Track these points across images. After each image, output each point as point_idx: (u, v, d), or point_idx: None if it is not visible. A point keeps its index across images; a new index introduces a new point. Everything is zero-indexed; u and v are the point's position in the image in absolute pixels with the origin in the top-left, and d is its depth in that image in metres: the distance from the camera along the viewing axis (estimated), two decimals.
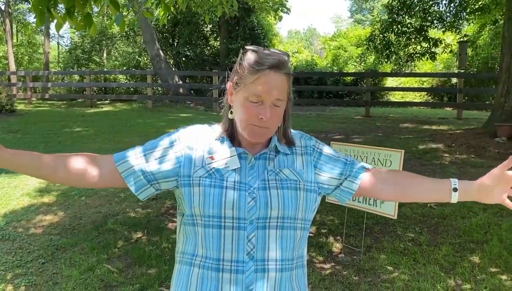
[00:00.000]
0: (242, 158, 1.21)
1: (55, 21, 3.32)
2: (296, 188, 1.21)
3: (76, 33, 23.07)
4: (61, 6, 3.55)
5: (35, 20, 3.25)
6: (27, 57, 25.64)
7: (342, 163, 1.29)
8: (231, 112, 1.23)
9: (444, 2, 12.96)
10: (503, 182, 1.15)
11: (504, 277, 3.07)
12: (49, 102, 16.51)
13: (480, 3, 12.41)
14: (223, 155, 1.21)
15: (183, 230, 1.25)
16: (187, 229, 1.23)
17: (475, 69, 16.87)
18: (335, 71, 19.37)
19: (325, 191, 1.29)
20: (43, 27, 21.06)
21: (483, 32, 16.39)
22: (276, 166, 1.23)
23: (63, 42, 29.67)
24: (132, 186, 1.22)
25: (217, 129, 1.28)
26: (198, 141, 1.24)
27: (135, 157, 1.24)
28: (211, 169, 1.19)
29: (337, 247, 3.65)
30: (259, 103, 1.15)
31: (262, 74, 1.13)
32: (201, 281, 1.17)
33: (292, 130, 1.31)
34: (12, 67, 18.85)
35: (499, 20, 12.77)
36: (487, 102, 14.61)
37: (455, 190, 1.19)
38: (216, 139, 1.24)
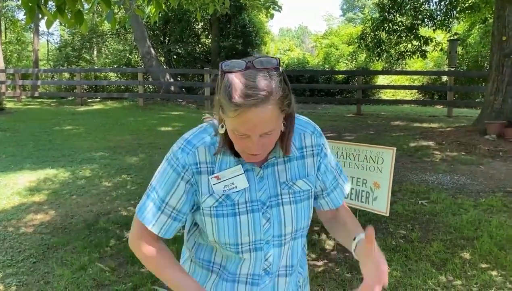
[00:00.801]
0: (249, 171, 1.13)
1: (45, 18, 3.29)
2: (308, 197, 1.20)
3: (66, 30, 22.92)
4: (51, 3, 3.51)
5: (24, 17, 3.21)
6: (16, 54, 25.37)
7: (332, 175, 1.26)
8: (222, 126, 1.07)
9: (434, 0, 13.07)
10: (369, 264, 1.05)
11: (494, 273, 3.10)
12: (38, 100, 16.36)
13: (470, 1, 12.52)
14: (228, 173, 1.11)
15: (195, 236, 1.24)
16: (202, 243, 1.22)
17: (465, 68, 17.02)
18: (327, 69, 19.43)
19: None
20: (32, 25, 20.84)
21: (473, 30, 16.55)
22: (289, 178, 1.16)
23: (53, 39, 29.36)
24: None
25: (214, 132, 1.13)
26: (199, 162, 1.11)
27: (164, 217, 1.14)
28: (220, 197, 1.11)
29: (329, 244, 3.66)
30: (245, 136, 1.00)
31: (242, 112, 0.94)
32: (215, 288, 1.20)
33: (303, 118, 1.23)
34: (1, 65, 18.58)
35: (488, 18, 12.90)
36: (477, 100, 14.75)
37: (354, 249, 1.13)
38: (218, 154, 1.12)
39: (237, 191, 1.11)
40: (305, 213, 1.19)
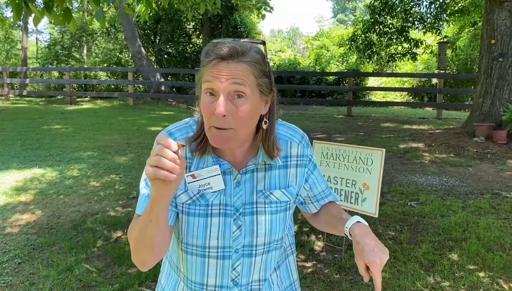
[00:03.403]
0: (226, 173, 1.09)
1: (33, 15, 3.24)
2: (286, 209, 1.14)
3: (56, 28, 22.73)
4: (39, 0, 3.47)
5: (12, 14, 3.17)
6: (4, 52, 25.08)
7: (325, 185, 1.25)
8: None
9: (425, 3, 13.18)
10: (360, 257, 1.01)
11: (482, 274, 3.12)
12: (27, 99, 16.18)
13: (459, 5, 12.65)
14: (205, 172, 1.07)
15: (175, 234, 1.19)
16: (173, 240, 1.15)
17: (454, 70, 17.17)
18: (318, 70, 19.47)
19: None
20: (21, 22, 20.61)
21: (462, 33, 16.71)
22: (267, 187, 1.11)
23: (42, 37, 29.12)
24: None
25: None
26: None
27: None
28: (194, 195, 1.07)
29: (318, 245, 3.66)
30: (215, 98, 0.97)
31: (212, 64, 0.97)
32: None
33: (291, 125, 1.21)
34: None
35: (478, 22, 13.03)
36: (466, 102, 14.89)
37: (346, 235, 1.11)
38: (196, 151, 1.08)
39: (212, 192, 1.07)
40: (281, 225, 1.13)
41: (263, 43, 1.06)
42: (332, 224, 1.20)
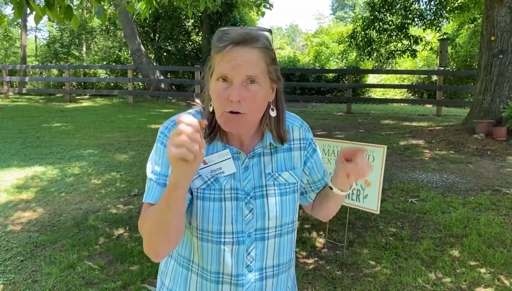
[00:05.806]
0: (234, 159, 1.11)
1: (34, 13, 3.24)
2: (294, 190, 1.17)
3: (55, 26, 22.70)
4: None
5: (12, 12, 3.17)
6: (3, 50, 25.03)
7: (322, 171, 1.26)
8: (210, 105, 1.08)
9: (424, 0, 13.16)
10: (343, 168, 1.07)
11: (483, 270, 3.13)
12: (26, 97, 16.15)
13: (459, 1, 12.64)
14: (216, 157, 1.09)
15: None
16: (184, 237, 1.14)
17: (454, 67, 17.16)
18: (317, 68, 19.45)
19: None
20: (20, 20, 20.58)
21: (462, 30, 16.69)
22: (275, 169, 1.14)
23: (41, 35, 29.08)
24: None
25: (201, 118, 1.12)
26: None
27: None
28: (209, 179, 1.08)
29: (320, 242, 3.67)
30: (229, 85, 1.00)
31: (226, 51, 0.99)
32: (201, 289, 1.15)
33: (291, 113, 1.24)
34: None
35: (477, 18, 13.03)
36: (465, 99, 14.89)
37: (330, 188, 1.16)
38: (206, 137, 1.08)
39: (225, 176, 1.09)
40: (291, 207, 1.15)
41: (270, 31, 1.09)
42: (325, 198, 1.23)
